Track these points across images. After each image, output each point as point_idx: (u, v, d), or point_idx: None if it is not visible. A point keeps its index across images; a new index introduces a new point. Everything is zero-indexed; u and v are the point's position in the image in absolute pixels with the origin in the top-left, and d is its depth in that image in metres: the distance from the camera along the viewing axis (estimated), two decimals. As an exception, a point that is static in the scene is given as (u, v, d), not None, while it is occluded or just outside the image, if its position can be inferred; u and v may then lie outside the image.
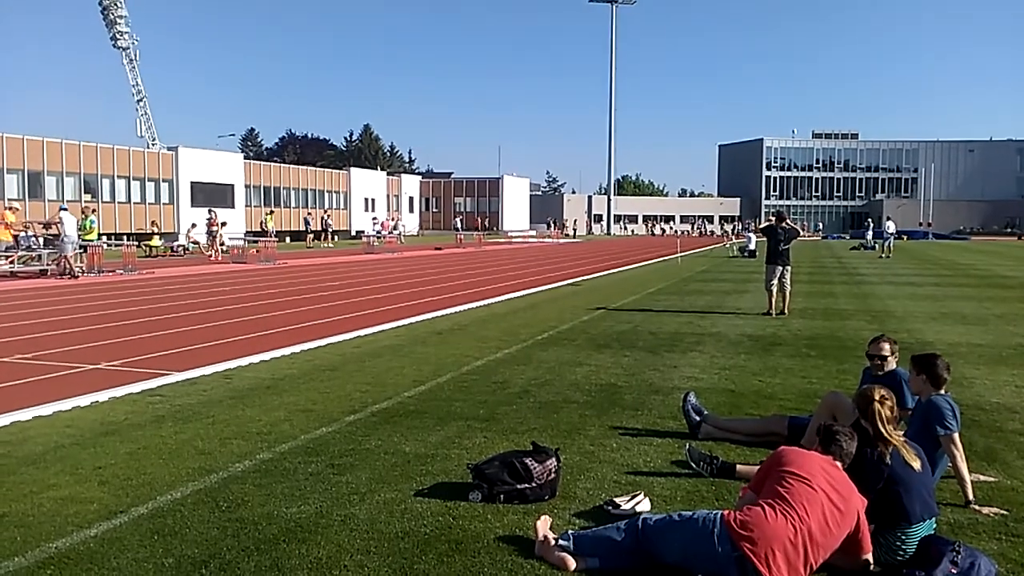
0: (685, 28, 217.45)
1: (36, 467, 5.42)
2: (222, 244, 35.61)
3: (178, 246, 37.60)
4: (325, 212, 56.69)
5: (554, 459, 4.90)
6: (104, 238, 29.94)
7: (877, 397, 4.25)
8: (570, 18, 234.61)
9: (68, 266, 22.47)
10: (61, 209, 23.98)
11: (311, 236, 48.94)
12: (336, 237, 52.93)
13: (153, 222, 39.42)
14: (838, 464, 3.89)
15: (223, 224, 36.65)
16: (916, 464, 4.08)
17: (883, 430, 4.13)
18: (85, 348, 10.34)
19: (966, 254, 40.81)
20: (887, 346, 5.82)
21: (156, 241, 36.80)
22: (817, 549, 3.55)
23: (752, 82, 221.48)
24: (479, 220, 75.79)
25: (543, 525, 4.13)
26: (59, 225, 22.91)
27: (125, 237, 33.31)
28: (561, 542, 3.89)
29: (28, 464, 5.47)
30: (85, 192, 41.41)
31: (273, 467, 5.41)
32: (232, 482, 5.10)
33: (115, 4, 60.50)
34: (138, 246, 31.71)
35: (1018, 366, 9.35)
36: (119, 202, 43.25)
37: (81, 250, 25.02)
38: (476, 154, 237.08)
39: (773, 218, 15.14)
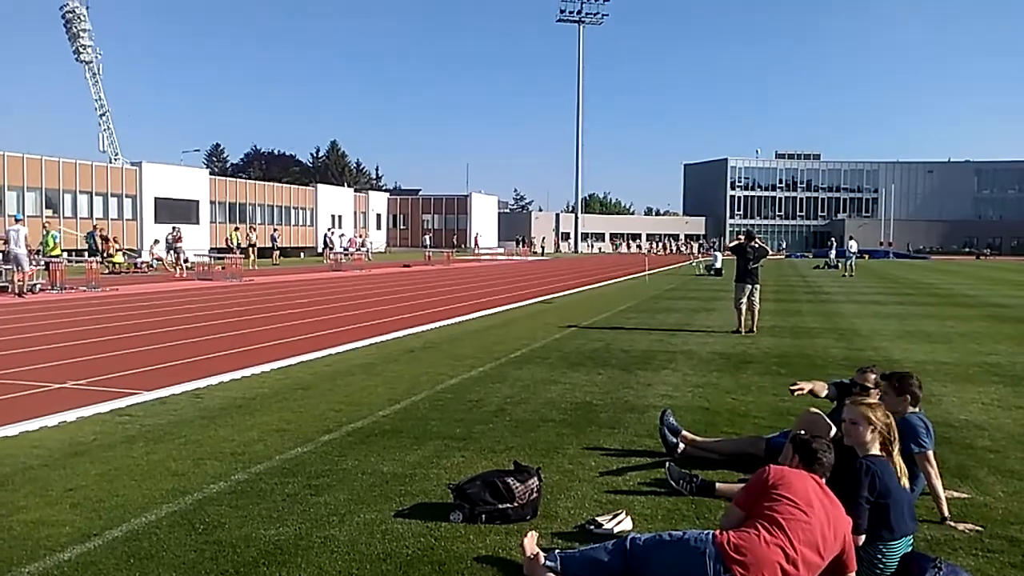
0: (652, 49, 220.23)
1: (4, 489, 5.28)
2: (186, 261, 35.15)
3: (142, 263, 37.03)
4: (329, 230, 56.31)
5: (536, 478, 4.89)
6: (66, 255, 29.37)
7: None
8: (538, 37, 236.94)
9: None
10: (15, 219, 23.39)
11: (277, 253, 48.48)
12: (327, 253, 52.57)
13: (115, 238, 38.74)
14: (828, 490, 3.87)
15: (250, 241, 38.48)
16: (906, 481, 4.14)
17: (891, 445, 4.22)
18: (49, 367, 10.12)
19: (927, 273, 41.58)
20: (872, 376, 5.63)
21: (119, 258, 36.19)
22: (806, 574, 3.57)
23: (717, 103, 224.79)
24: (475, 238, 76.51)
25: (531, 542, 4.10)
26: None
27: (87, 253, 32.74)
28: (548, 563, 3.86)
29: (-5, 486, 5.34)
30: (47, 207, 40.71)
31: (249, 488, 5.33)
32: (208, 504, 5.01)
33: (78, 17, 59.90)
34: (101, 262, 31.16)
35: (984, 384, 9.53)
36: (81, 218, 42.53)
37: (43, 267, 24.52)
38: (444, 171, 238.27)
39: (742, 237, 15.21)
